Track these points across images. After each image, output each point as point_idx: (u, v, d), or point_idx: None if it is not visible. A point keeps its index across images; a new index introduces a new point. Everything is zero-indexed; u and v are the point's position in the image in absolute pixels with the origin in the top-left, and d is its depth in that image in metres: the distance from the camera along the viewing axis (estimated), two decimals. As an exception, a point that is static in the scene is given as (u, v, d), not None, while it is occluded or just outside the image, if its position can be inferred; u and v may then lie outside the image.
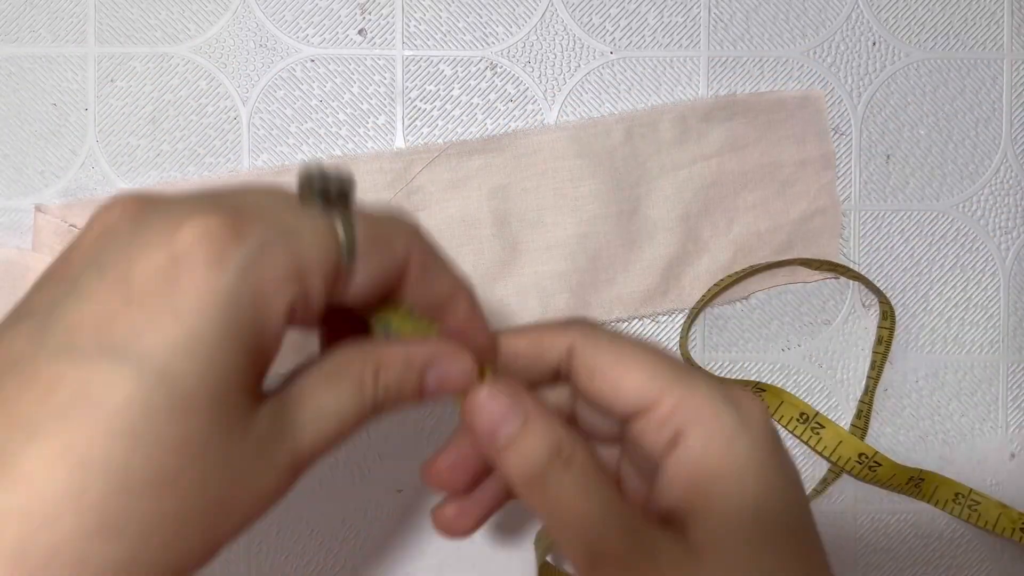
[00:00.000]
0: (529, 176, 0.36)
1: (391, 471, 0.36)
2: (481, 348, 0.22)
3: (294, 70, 0.36)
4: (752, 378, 0.37)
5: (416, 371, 0.21)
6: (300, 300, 0.18)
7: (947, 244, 0.37)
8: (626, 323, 0.36)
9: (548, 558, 0.33)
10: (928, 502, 0.37)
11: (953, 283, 0.37)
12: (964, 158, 0.37)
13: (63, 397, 0.16)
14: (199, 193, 0.18)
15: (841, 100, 0.37)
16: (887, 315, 0.37)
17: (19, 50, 0.36)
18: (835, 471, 0.37)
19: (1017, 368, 0.37)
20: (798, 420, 0.36)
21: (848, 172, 0.37)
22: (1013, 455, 0.37)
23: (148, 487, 0.16)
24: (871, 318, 0.37)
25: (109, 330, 0.16)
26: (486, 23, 0.37)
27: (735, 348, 0.37)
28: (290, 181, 0.24)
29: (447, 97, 0.37)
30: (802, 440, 0.36)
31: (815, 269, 0.37)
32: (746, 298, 0.37)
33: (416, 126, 0.36)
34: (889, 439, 0.37)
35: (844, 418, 0.37)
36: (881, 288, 0.37)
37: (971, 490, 0.36)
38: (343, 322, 0.22)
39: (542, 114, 0.37)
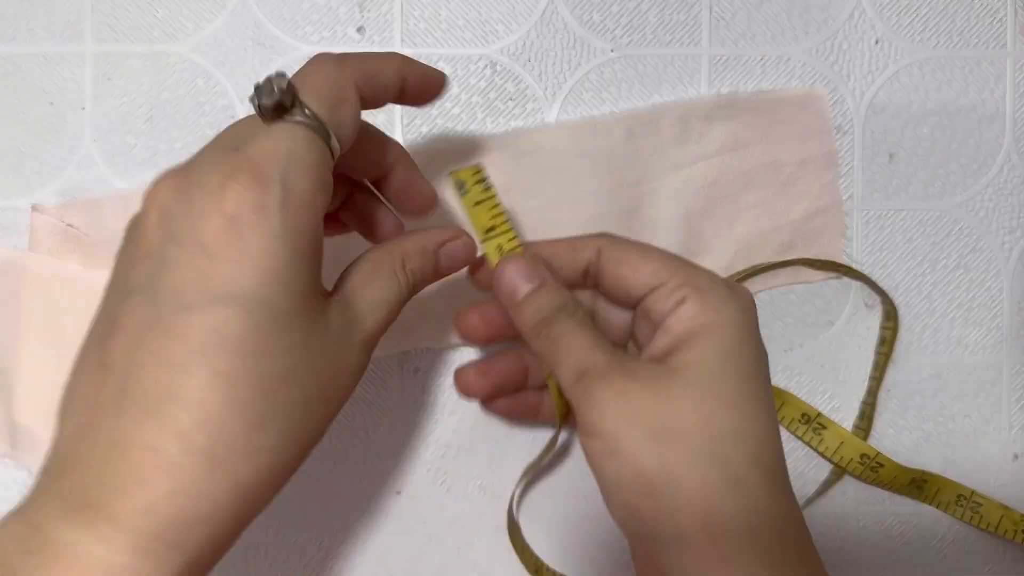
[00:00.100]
0: (529, 175, 0.36)
1: (391, 471, 0.36)
2: (426, 197, 0.30)
3: (292, 68, 0.36)
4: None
5: (431, 255, 0.27)
6: (324, 198, 0.23)
7: (950, 244, 0.37)
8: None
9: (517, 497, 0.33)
10: (930, 504, 0.36)
11: (956, 283, 0.37)
12: (967, 157, 0.37)
13: (196, 340, 0.20)
14: (214, 153, 0.22)
15: (844, 99, 0.37)
16: (890, 315, 0.36)
17: (15, 48, 0.36)
18: (837, 472, 0.36)
19: (1021, 369, 0.37)
20: (800, 421, 0.36)
21: (851, 171, 0.37)
22: (1016, 456, 0.37)
23: (278, 385, 0.21)
24: (874, 318, 0.37)
25: (207, 284, 0.21)
26: (486, 21, 0.36)
27: (737, 348, 0.37)
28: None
29: (446, 96, 0.36)
30: (804, 441, 0.36)
31: (818, 269, 0.36)
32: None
33: (415, 125, 0.36)
34: (892, 440, 0.37)
35: (847, 419, 0.37)
36: (884, 288, 0.37)
37: (973, 492, 0.36)
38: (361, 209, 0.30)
39: (542, 113, 0.36)
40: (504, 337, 0.31)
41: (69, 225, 0.35)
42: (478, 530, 0.36)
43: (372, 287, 0.25)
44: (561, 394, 0.30)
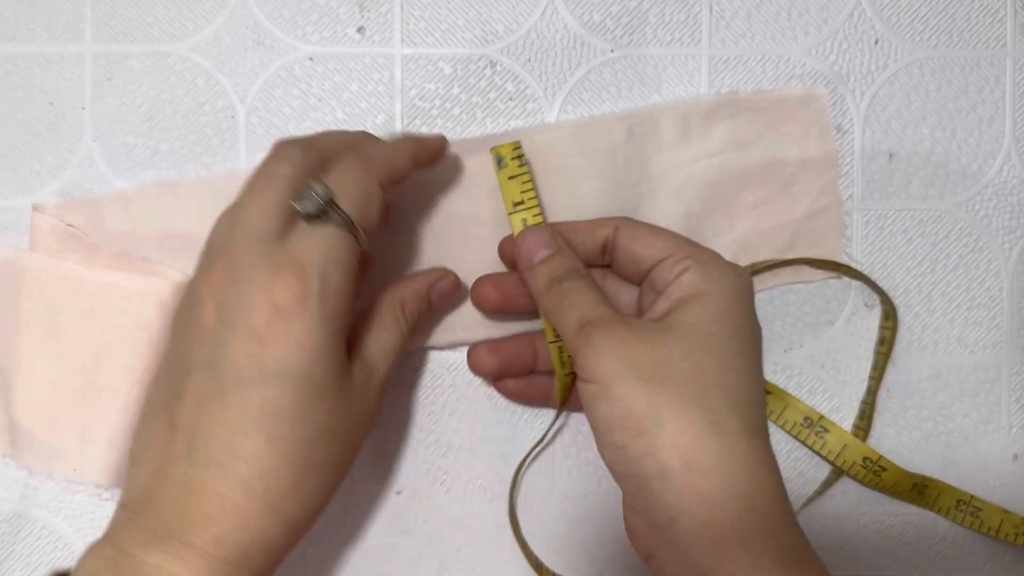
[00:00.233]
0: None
1: (391, 472, 0.36)
2: (438, 150, 0.33)
3: (292, 68, 0.36)
4: (754, 379, 0.37)
5: (425, 296, 0.33)
6: (353, 285, 0.28)
7: (950, 244, 0.37)
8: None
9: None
10: (930, 509, 0.36)
11: (956, 283, 0.37)
12: (967, 157, 0.37)
13: (253, 410, 0.25)
14: (260, 247, 0.26)
15: (843, 98, 0.37)
16: (889, 315, 0.36)
17: (15, 48, 0.36)
18: (837, 472, 0.36)
19: (1021, 368, 0.37)
20: (802, 424, 0.36)
21: (851, 171, 0.37)
22: (1016, 456, 0.37)
23: (319, 442, 0.26)
24: (874, 318, 0.37)
25: (260, 364, 0.25)
26: (486, 21, 0.36)
27: (737, 348, 0.37)
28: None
29: (446, 96, 0.36)
30: (807, 444, 0.36)
31: (817, 268, 0.36)
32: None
33: (415, 124, 0.36)
34: (892, 440, 0.37)
35: (847, 419, 0.37)
36: (884, 288, 0.37)
37: (972, 496, 0.36)
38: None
39: (542, 113, 0.36)
40: (514, 306, 0.33)
41: (69, 225, 0.35)
42: (478, 530, 0.36)
43: (381, 336, 0.30)
44: (563, 364, 0.32)
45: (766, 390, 0.36)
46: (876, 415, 0.37)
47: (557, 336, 0.32)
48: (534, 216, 0.33)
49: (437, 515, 0.36)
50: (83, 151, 0.36)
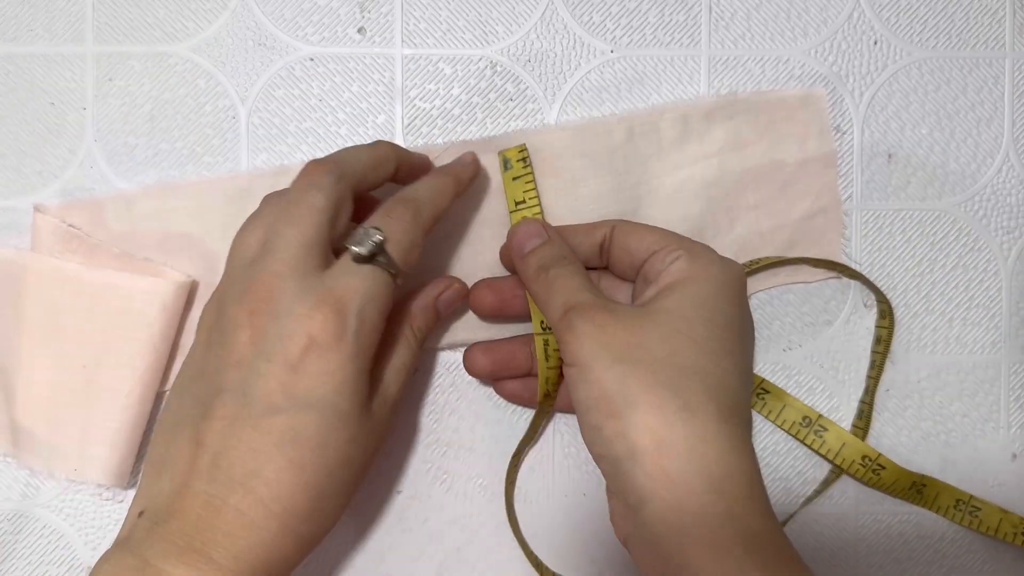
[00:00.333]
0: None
1: (392, 471, 0.36)
2: (424, 167, 0.34)
3: (293, 69, 0.36)
4: (759, 383, 0.37)
5: (432, 308, 0.33)
6: (384, 322, 0.29)
7: (949, 244, 0.37)
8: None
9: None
10: (929, 508, 0.36)
11: (955, 283, 0.37)
12: (966, 157, 0.37)
13: (278, 435, 0.26)
14: (301, 282, 0.27)
15: (843, 99, 0.37)
16: (885, 314, 0.36)
17: (16, 49, 0.36)
18: (836, 471, 0.36)
19: (1019, 368, 0.37)
20: (801, 424, 0.36)
21: (850, 171, 0.37)
22: (1015, 455, 0.37)
23: (337, 469, 0.27)
24: (873, 318, 0.37)
25: (291, 392, 0.27)
26: (486, 21, 0.36)
27: (736, 348, 0.37)
28: (287, 180, 0.30)
29: (447, 96, 0.36)
30: (806, 444, 0.36)
31: (814, 267, 0.36)
32: (750, 311, 0.36)
33: (416, 125, 0.36)
34: (891, 439, 0.37)
35: (846, 419, 0.37)
36: (883, 288, 0.37)
37: (971, 496, 0.36)
38: None
39: (542, 113, 0.36)
40: (511, 310, 0.34)
41: (71, 225, 0.35)
42: (478, 529, 0.36)
43: (393, 357, 0.31)
44: (547, 357, 0.32)
45: (764, 389, 0.36)
46: (875, 414, 0.37)
47: (544, 328, 0.32)
48: (533, 215, 0.34)
49: (437, 514, 0.36)
50: (84, 151, 0.36)
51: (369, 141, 0.36)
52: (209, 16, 0.36)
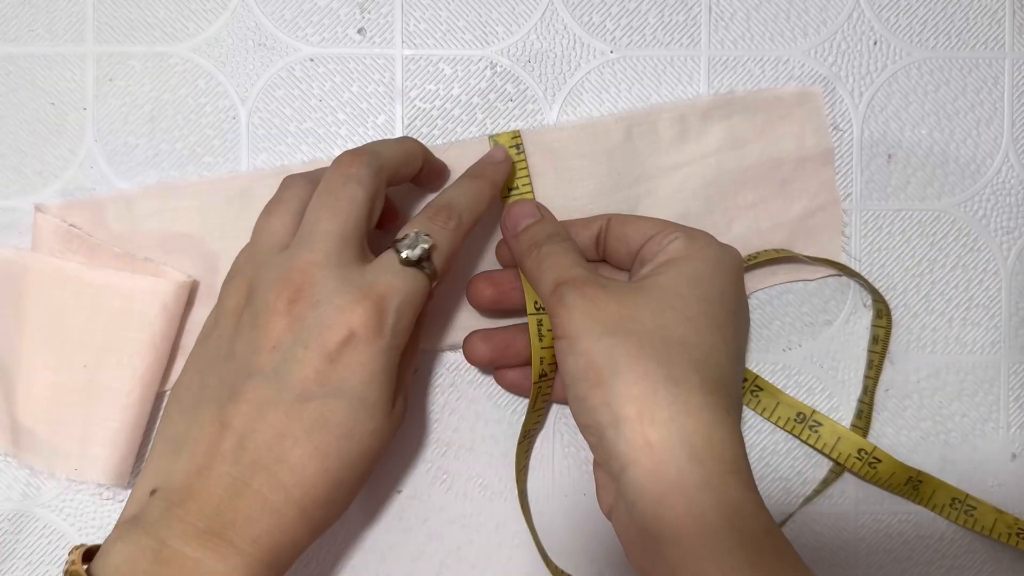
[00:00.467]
0: (529, 175, 0.36)
1: (392, 470, 0.36)
2: (444, 175, 0.35)
3: (293, 69, 0.36)
4: (753, 380, 0.37)
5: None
6: (414, 324, 0.29)
7: (948, 244, 0.37)
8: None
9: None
10: (925, 506, 0.36)
11: (955, 283, 0.37)
12: (966, 157, 0.37)
13: (308, 421, 0.27)
14: (339, 273, 0.28)
15: (842, 99, 0.37)
16: (882, 313, 0.36)
17: (17, 49, 0.36)
18: (836, 471, 0.37)
19: (1019, 368, 0.37)
20: (795, 420, 0.36)
21: (849, 172, 0.37)
22: (1015, 455, 0.37)
23: (357, 459, 0.28)
24: (870, 320, 0.37)
25: (325, 381, 0.27)
26: (486, 22, 0.37)
27: (736, 348, 0.37)
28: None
29: (447, 96, 0.36)
30: (801, 439, 0.36)
31: (809, 264, 0.36)
32: (747, 297, 0.36)
33: (416, 125, 0.36)
34: (891, 439, 0.37)
35: (845, 419, 0.37)
36: (882, 288, 0.37)
37: (967, 495, 0.36)
38: None
39: (542, 114, 0.37)
40: (509, 302, 0.34)
41: (71, 225, 0.35)
42: (478, 529, 0.36)
43: (410, 346, 0.31)
44: (540, 337, 0.32)
45: (758, 386, 0.36)
46: (874, 414, 0.37)
47: (537, 308, 0.32)
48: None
49: (437, 514, 0.36)
50: (85, 151, 0.36)
51: (370, 142, 0.36)
52: (209, 16, 0.36)
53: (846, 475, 0.37)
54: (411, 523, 0.36)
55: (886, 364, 0.37)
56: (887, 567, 0.37)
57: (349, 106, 0.36)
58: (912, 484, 0.36)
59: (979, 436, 0.37)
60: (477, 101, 0.36)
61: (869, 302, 0.37)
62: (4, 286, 0.35)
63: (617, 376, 0.28)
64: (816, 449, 0.36)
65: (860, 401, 0.37)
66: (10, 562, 0.36)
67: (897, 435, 0.37)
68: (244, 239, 0.31)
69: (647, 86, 0.37)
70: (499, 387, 0.36)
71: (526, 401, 0.36)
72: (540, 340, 0.32)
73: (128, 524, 0.26)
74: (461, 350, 0.35)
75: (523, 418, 0.36)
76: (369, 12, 0.36)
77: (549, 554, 0.36)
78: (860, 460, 0.35)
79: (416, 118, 0.36)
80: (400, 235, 0.30)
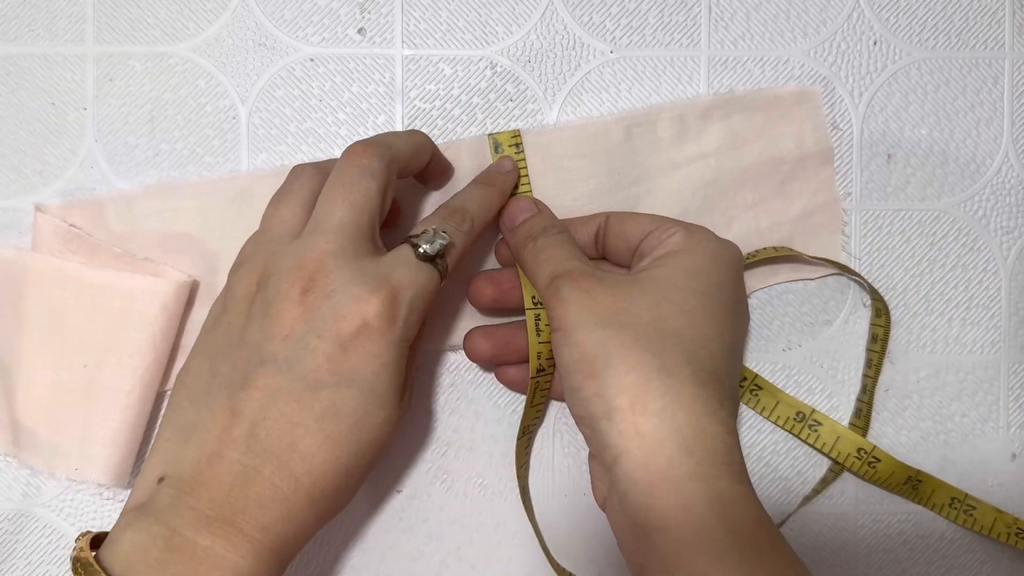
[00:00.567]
0: (529, 176, 0.36)
1: (392, 470, 0.36)
2: (448, 174, 0.36)
3: (293, 69, 0.36)
4: (752, 379, 0.37)
5: None
6: (423, 319, 0.30)
7: (948, 244, 0.37)
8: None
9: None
10: (924, 505, 0.36)
11: (955, 283, 0.37)
12: (965, 157, 0.37)
13: (320, 410, 0.27)
14: (353, 264, 0.28)
15: (842, 99, 0.37)
16: (880, 312, 0.36)
17: (17, 49, 0.36)
18: (835, 470, 0.37)
19: (1019, 368, 0.37)
20: (795, 419, 0.36)
21: (849, 171, 0.37)
22: (1015, 455, 0.37)
23: (367, 449, 0.28)
24: (869, 319, 0.37)
25: (337, 369, 0.27)
26: (486, 22, 0.37)
27: (736, 348, 0.37)
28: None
29: (447, 96, 0.36)
30: (800, 438, 0.36)
31: (807, 263, 0.37)
32: (747, 294, 0.36)
33: (416, 125, 0.36)
34: (891, 439, 0.37)
35: (845, 418, 0.37)
36: (882, 288, 0.37)
37: (966, 495, 0.36)
38: None
39: (542, 114, 0.37)
40: (509, 301, 0.34)
41: (71, 225, 0.35)
42: (478, 529, 0.36)
43: (417, 338, 0.31)
44: (538, 332, 0.32)
45: (757, 385, 0.36)
46: (875, 414, 0.37)
47: (535, 303, 0.32)
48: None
49: (437, 514, 0.36)
50: (85, 151, 0.36)
51: (379, 133, 0.36)
52: (209, 16, 0.36)
53: (846, 475, 0.37)
54: (411, 523, 0.36)
55: (886, 364, 0.37)
56: (887, 567, 0.37)
57: (349, 106, 0.36)
58: (911, 483, 0.36)
59: (979, 436, 0.37)
60: (477, 101, 0.36)
61: (868, 302, 0.37)
62: (4, 286, 0.35)
63: (610, 367, 0.28)
64: (815, 448, 0.36)
65: (859, 400, 0.37)
66: (10, 562, 0.36)
67: (897, 435, 0.37)
68: (244, 239, 0.31)
69: (647, 86, 0.37)
70: (499, 387, 0.36)
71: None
72: (538, 335, 0.32)
73: (137, 511, 0.26)
74: (462, 349, 0.35)
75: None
76: (369, 12, 0.36)
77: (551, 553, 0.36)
78: (859, 459, 0.35)
79: (416, 118, 0.36)
80: (417, 231, 0.30)
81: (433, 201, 0.36)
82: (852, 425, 0.37)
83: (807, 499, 0.37)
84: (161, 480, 0.27)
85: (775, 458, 0.37)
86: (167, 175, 0.36)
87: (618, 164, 0.36)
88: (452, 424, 0.36)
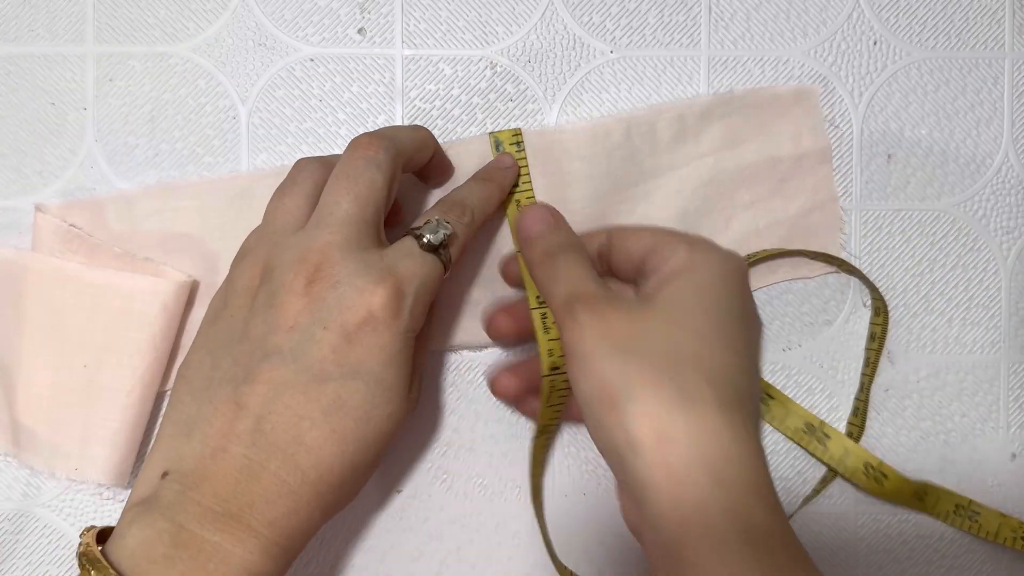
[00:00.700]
0: (530, 176, 0.36)
1: (392, 470, 0.36)
2: (449, 172, 0.36)
3: (293, 69, 0.36)
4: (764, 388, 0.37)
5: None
6: (428, 309, 0.30)
7: (948, 244, 0.37)
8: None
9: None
10: (929, 514, 0.36)
11: (955, 283, 0.37)
12: (965, 157, 0.37)
13: (326, 402, 0.27)
14: (358, 256, 0.28)
15: (842, 99, 0.37)
16: (879, 311, 0.36)
17: (17, 49, 0.36)
18: (835, 471, 0.36)
19: (1019, 368, 0.37)
20: (804, 431, 0.36)
21: (849, 171, 0.37)
22: (1015, 455, 0.37)
23: (373, 443, 0.28)
24: (867, 317, 0.37)
25: (343, 361, 0.27)
26: (486, 22, 0.37)
27: (736, 348, 0.37)
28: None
29: (447, 96, 0.36)
30: (808, 451, 0.36)
31: (811, 259, 0.37)
32: (755, 306, 0.36)
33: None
34: (891, 439, 0.37)
35: (844, 418, 0.37)
36: (882, 288, 0.37)
37: (970, 501, 0.36)
38: None
39: (542, 114, 0.37)
40: (530, 333, 0.33)
41: (71, 225, 0.35)
42: (478, 529, 0.36)
43: (424, 332, 0.30)
44: (546, 329, 0.32)
45: (768, 395, 0.36)
46: (874, 414, 0.37)
47: (540, 302, 0.32)
48: (527, 198, 0.35)
49: (437, 513, 0.36)
50: (85, 151, 0.36)
51: (384, 127, 0.36)
52: (209, 16, 0.36)
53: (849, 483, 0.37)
54: (411, 523, 0.36)
55: (886, 365, 0.37)
56: (887, 567, 0.37)
57: (349, 106, 0.36)
58: (917, 496, 0.36)
59: (979, 436, 0.37)
60: (477, 101, 0.36)
61: (868, 301, 0.37)
62: (4, 286, 0.35)
63: (631, 399, 0.27)
64: (822, 461, 0.36)
65: (856, 399, 0.37)
66: (10, 562, 0.36)
67: (897, 435, 0.37)
68: (244, 239, 0.31)
69: (647, 86, 0.37)
70: (499, 387, 0.36)
71: (526, 401, 0.36)
72: (546, 332, 0.32)
73: (141, 507, 0.26)
74: (463, 351, 0.35)
75: (521, 419, 0.36)
76: (369, 12, 0.36)
77: (547, 555, 0.36)
78: (866, 475, 0.36)
79: (416, 118, 0.36)
80: (419, 222, 0.30)
81: (434, 199, 0.36)
82: (850, 423, 0.37)
83: (807, 499, 0.37)
84: (164, 475, 0.26)
85: (775, 458, 0.37)
86: (167, 175, 0.36)
87: (618, 165, 0.36)
88: (452, 424, 0.36)
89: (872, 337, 0.37)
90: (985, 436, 0.37)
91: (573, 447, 0.36)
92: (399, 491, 0.36)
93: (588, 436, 0.30)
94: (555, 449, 0.36)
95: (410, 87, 0.36)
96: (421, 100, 0.36)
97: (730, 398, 0.28)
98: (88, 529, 0.26)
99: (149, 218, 0.35)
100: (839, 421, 0.37)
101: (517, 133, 0.35)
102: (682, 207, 0.36)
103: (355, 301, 0.27)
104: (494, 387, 0.34)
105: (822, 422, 0.36)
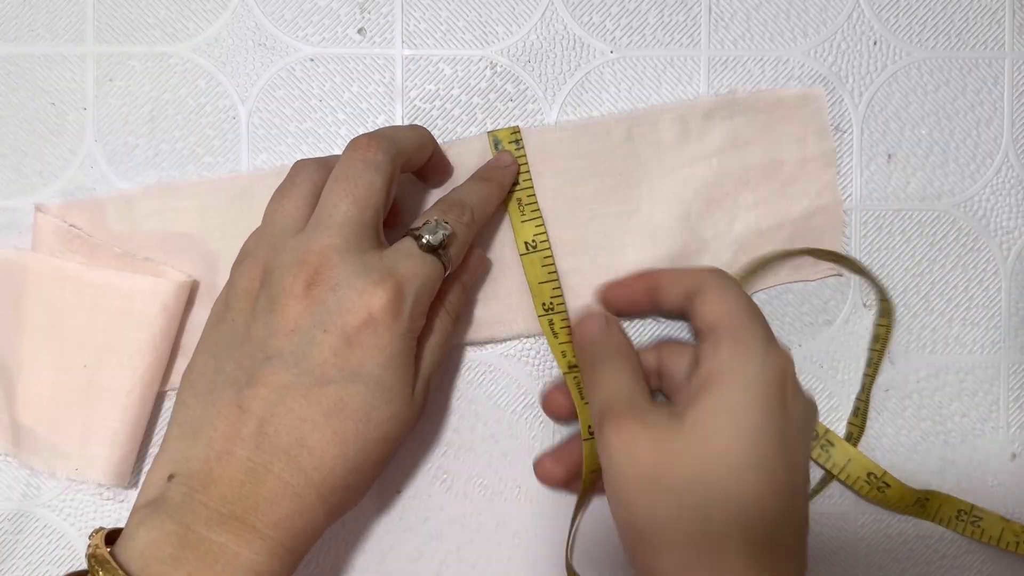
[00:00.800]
0: (530, 174, 0.36)
1: (391, 471, 0.36)
2: (448, 172, 0.36)
3: (293, 69, 0.36)
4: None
5: (461, 282, 0.33)
6: (428, 309, 0.30)
7: (948, 244, 0.37)
8: (628, 322, 0.36)
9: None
10: (931, 520, 0.36)
11: (955, 283, 0.37)
12: (965, 157, 0.37)
13: (327, 405, 0.27)
14: (358, 258, 0.28)
15: (842, 99, 0.37)
16: (886, 312, 0.36)
17: (17, 49, 0.36)
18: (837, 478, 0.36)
19: (1019, 368, 0.37)
20: None
21: (849, 172, 0.37)
22: (1015, 455, 0.37)
23: (375, 445, 0.28)
24: (872, 318, 0.37)
25: (344, 364, 0.27)
26: (486, 22, 0.37)
27: (736, 348, 0.37)
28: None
29: (447, 96, 0.36)
30: (811, 458, 0.36)
31: (819, 259, 0.36)
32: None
33: (416, 125, 0.36)
34: (890, 439, 0.37)
35: (844, 419, 0.37)
36: (882, 288, 0.37)
37: (972, 506, 0.36)
38: None
39: (542, 114, 0.37)
40: (579, 473, 0.34)
41: (71, 225, 0.35)
42: (478, 529, 0.36)
43: (432, 335, 0.31)
44: (555, 335, 0.33)
45: None
46: (874, 414, 0.37)
47: (545, 310, 0.33)
48: (528, 196, 0.35)
49: (437, 513, 0.36)
50: (85, 151, 0.36)
51: (383, 127, 0.36)
52: (209, 16, 0.36)
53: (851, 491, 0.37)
54: (411, 523, 0.36)
55: (886, 365, 0.37)
56: (887, 567, 0.37)
57: (349, 106, 0.36)
58: (919, 504, 0.36)
59: (979, 436, 0.37)
60: (477, 101, 0.36)
61: (869, 301, 0.37)
62: (4, 286, 0.35)
63: (659, 537, 0.27)
64: (825, 468, 0.36)
65: (857, 399, 0.37)
66: (10, 562, 0.36)
67: (897, 435, 0.37)
68: (244, 239, 0.31)
69: (647, 86, 0.37)
70: (499, 387, 0.36)
71: (526, 402, 0.36)
72: (555, 337, 0.33)
73: (148, 509, 0.26)
74: (462, 349, 0.35)
75: (521, 419, 0.36)
76: (369, 12, 0.36)
77: (548, 556, 0.36)
78: (869, 484, 0.36)
79: (416, 118, 0.36)
80: (418, 223, 0.30)
81: (433, 199, 0.36)
82: (850, 423, 0.37)
83: (807, 499, 0.37)
84: (171, 477, 0.27)
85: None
86: (167, 175, 0.36)
87: (619, 165, 0.36)
88: (452, 424, 0.36)
89: (876, 338, 0.37)
90: (985, 436, 0.37)
91: (573, 447, 0.37)
92: (399, 491, 0.36)
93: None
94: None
95: (410, 87, 0.36)
96: (421, 100, 0.36)
97: (763, 540, 0.26)
98: (97, 531, 0.26)
99: (149, 218, 0.35)
100: (839, 421, 0.37)
101: (516, 131, 0.35)
102: (685, 208, 0.36)
103: (355, 303, 0.27)
104: (539, 475, 0.35)
105: (827, 429, 0.36)
